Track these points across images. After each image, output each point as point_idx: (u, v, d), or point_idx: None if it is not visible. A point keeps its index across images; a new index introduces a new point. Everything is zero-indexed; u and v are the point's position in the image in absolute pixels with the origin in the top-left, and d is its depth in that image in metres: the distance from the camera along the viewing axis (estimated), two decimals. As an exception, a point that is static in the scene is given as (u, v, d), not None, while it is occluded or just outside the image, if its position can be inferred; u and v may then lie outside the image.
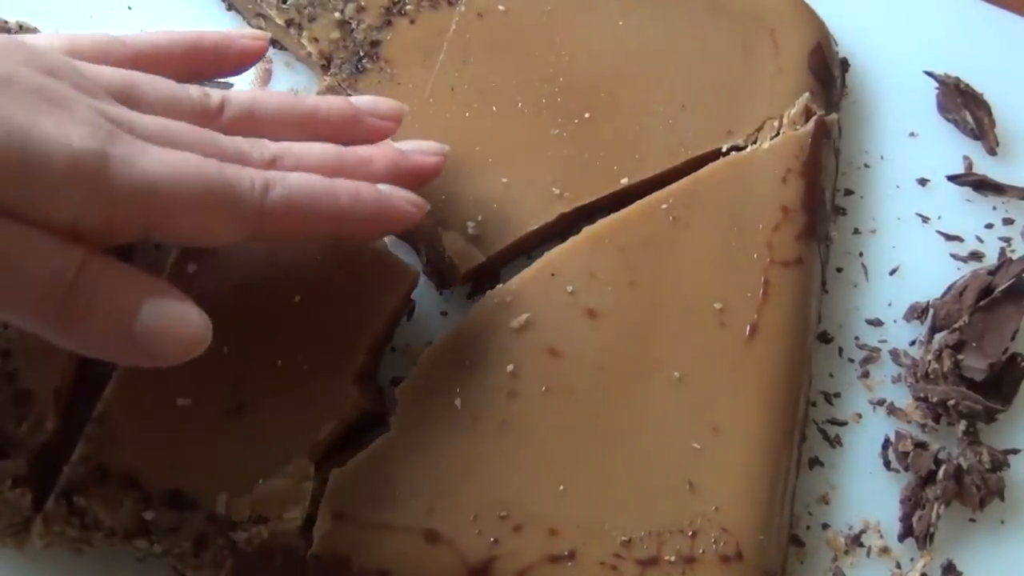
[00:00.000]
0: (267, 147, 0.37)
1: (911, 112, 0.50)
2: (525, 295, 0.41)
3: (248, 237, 0.35)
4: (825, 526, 0.41)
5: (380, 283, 0.40)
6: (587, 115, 0.45)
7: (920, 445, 0.42)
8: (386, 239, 0.43)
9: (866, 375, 0.44)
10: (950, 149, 0.49)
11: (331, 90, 0.45)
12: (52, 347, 0.33)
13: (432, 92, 0.45)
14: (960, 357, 0.42)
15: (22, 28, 0.44)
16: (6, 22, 0.44)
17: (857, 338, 0.45)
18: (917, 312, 0.45)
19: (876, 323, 0.45)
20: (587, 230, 0.42)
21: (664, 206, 0.43)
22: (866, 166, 0.49)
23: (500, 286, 0.41)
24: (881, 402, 0.44)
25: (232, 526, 0.36)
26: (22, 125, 0.30)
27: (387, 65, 0.45)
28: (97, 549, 0.37)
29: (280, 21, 0.47)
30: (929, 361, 0.43)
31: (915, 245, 0.47)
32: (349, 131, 0.39)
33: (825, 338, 0.45)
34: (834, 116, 0.46)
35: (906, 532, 0.41)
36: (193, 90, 0.37)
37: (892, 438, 0.43)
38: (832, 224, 0.46)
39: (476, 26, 0.46)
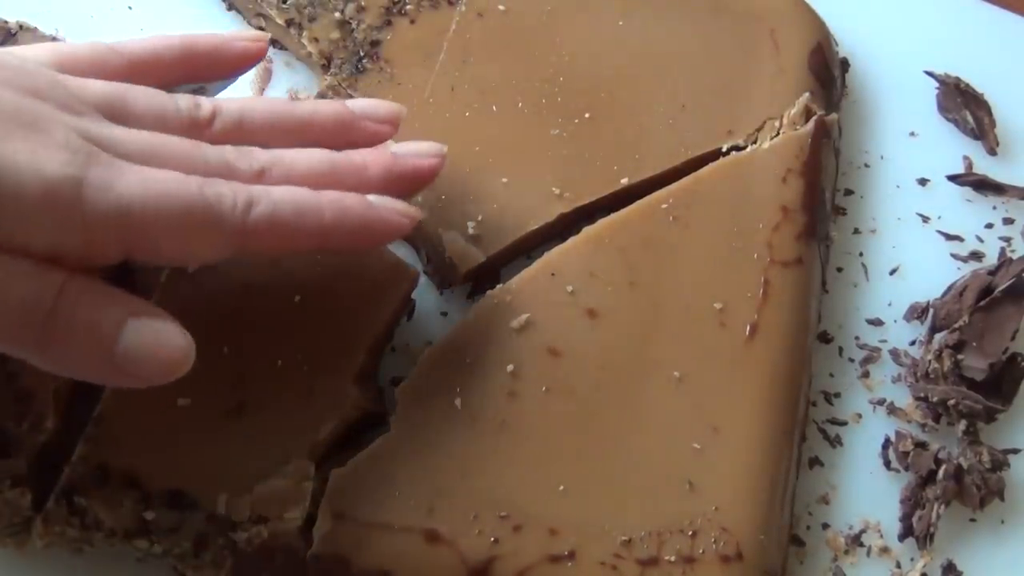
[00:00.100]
0: (256, 157, 0.36)
1: (911, 112, 0.50)
2: (525, 295, 0.41)
3: (232, 255, 0.35)
4: (825, 526, 0.41)
5: (380, 283, 0.40)
6: (587, 115, 0.45)
7: (920, 445, 0.42)
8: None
9: (866, 375, 0.44)
10: (950, 149, 0.49)
11: (331, 90, 0.45)
12: None
13: (432, 92, 0.45)
14: (960, 357, 0.42)
15: (22, 28, 0.44)
16: (6, 22, 0.44)
17: (857, 338, 0.45)
18: (917, 312, 0.45)
19: (876, 323, 0.45)
20: (587, 230, 0.42)
21: (664, 206, 0.43)
22: (866, 166, 0.49)
23: (500, 286, 0.41)
24: (881, 402, 0.44)
25: (232, 526, 0.36)
26: None
27: (387, 65, 0.45)
28: (97, 549, 0.37)
29: (280, 21, 0.47)
30: (929, 361, 0.43)
31: (915, 245, 0.47)
32: (344, 136, 0.39)
33: (825, 338, 0.45)
34: (834, 116, 0.46)
35: (906, 532, 0.41)
36: (183, 101, 0.36)
37: (892, 438, 0.43)
38: (832, 224, 0.46)
39: (476, 26, 0.46)
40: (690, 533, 0.37)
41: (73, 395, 0.37)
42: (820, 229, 0.44)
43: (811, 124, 0.45)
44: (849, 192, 0.48)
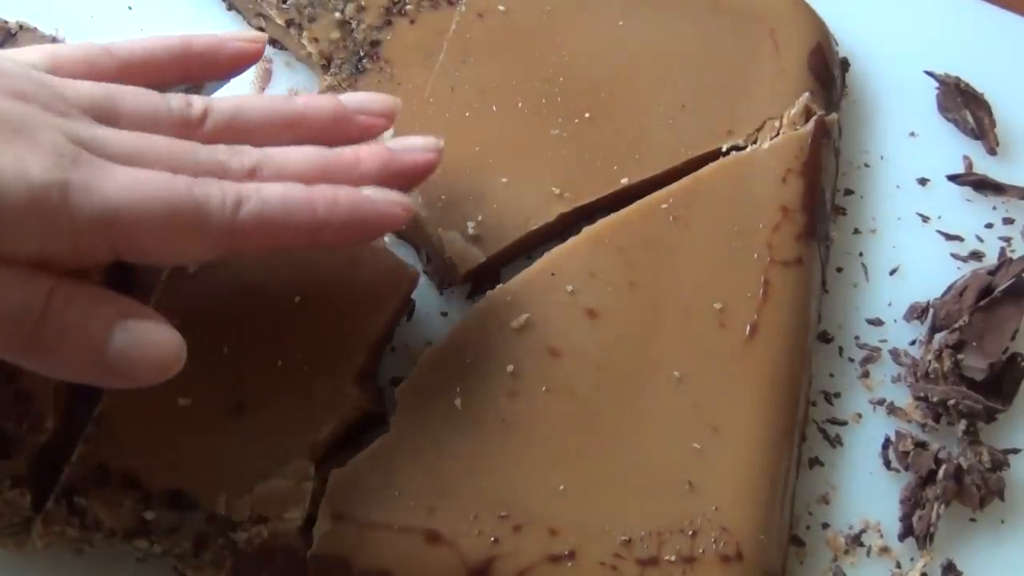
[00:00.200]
0: (247, 155, 0.36)
1: (911, 112, 0.50)
2: (525, 295, 0.41)
3: (223, 253, 0.34)
4: (825, 526, 0.41)
5: (380, 283, 0.40)
6: (587, 115, 0.45)
7: (920, 445, 0.42)
8: (386, 239, 0.43)
9: (866, 375, 0.44)
10: (950, 149, 0.49)
11: (331, 90, 0.45)
12: None
13: (432, 92, 0.45)
14: (960, 357, 0.42)
15: (22, 28, 0.44)
16: (6, 22, 0.44)
17: (857, 338, 0.45)
18: (917, 312, 0.45)
19: (876, 323, 0.45)
20: (587, 230, 0.42)
21: (664, 206, 0.43)
22: (866, 166, 0.49)
23: (500, 286, 0.41)
24: (881, 402, 0.44)
25: (232, 526, 0.36)
26: None
27: (387, 65, 0.45)
28: (97, 549, 0.37)
29: (280, 21, 0.47)
30: (929, 361, 0.43)
31: (915, 245, 0.47)
32: (339, 131, 0.39)
33: (825, 338, 0.45)
34: (834, 116, 0.46)
35: (906, 532, 0.41)
36: (174, 100, 0.36)
37: (892, 438, 0.43)
38: (832, 224, 0.46)
39: (476, 26, 0.46)
40: (690, 533, 0.37)
41: (73, 395, 0.37)
42: (820, 229, 0.44)
43: (811, 124, 0.45)
44: (849, 192, 0.48)
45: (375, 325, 0.40)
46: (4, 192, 0.30)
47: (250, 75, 0.47)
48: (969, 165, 0.48)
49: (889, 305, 0.46)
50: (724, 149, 0.45)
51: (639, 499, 0.38)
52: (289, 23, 0.46)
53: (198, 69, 0.39)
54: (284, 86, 0.48)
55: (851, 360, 0.45)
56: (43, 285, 0.31)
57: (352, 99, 0.39)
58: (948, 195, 0.48)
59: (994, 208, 0.48)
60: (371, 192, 0.37)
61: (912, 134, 0.49)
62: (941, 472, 0.41)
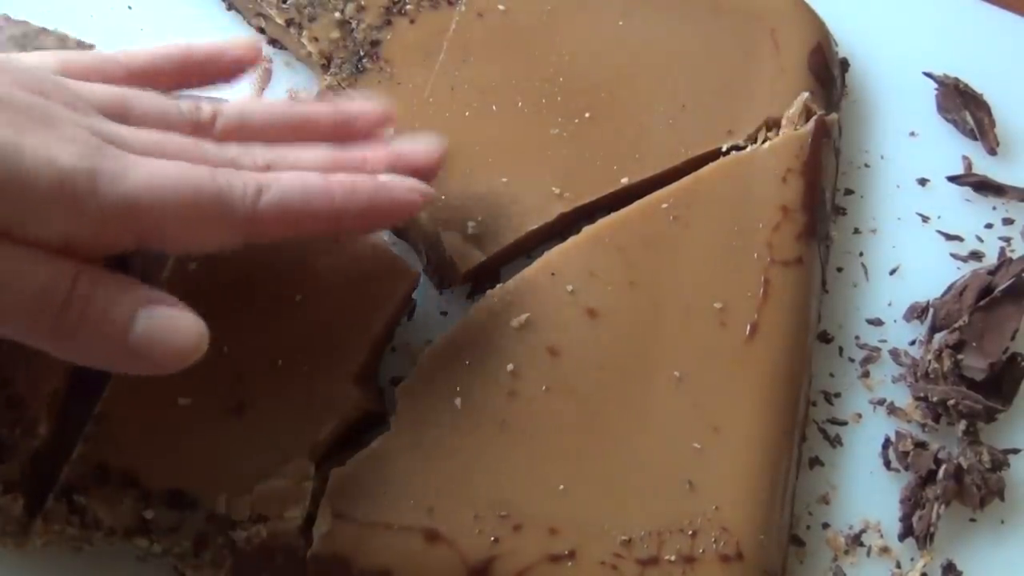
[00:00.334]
0: (259, 154, 0.37)
1: (911, 112, 0.50)
2: (525, 295, 0.41)
3: (243, 241, 0.35)
4: (825, 526, 0.41)
5: (380, 283, 0.40)
6: (587, 115, 0.45)
7: (920, 445, 0.42)
8: (386, 238, 0.43)
9: (866, 375, 0.44)
10: (950, 149, 0.49)
11: (331, 90, 0.45)
12: (45, 352, 0.33)
13: (432, 92, 0.45)
14: (960, 357, 0.42)
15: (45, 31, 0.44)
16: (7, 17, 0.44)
17: (857, 338, 0.45)
18: (917, 312, 0.45)
19: (876, 323, 0.45)
20: (587, 230, 0.42)
21: (664, 206, 0.43)
22: (866, 166, 0.49)
23: (500, 286, 0.41)
24: (881, 402, 0.44)
25: (232, 525, 0.36)
26: (9, 145, 0.30)
27: (387, 65, 0.45)
28: (97, 548, 0.37)
29: (280, 21, 0.47)
30: (929, 361, 0.43)
31: (915, 245, 0.47)
32: (340, 137, 0.40)
33: (825, 338, 0.45)
34: (834, 116, 0.46)
35: (906, 532, 0.41)
36: (184, 103, 0.37)
37: (892, 438, 0.43)
38: (832, 224, 0.46)
39: (476, 26, 0.46)
40: (690, 533, 0.37)
41: (67, 401, 0.37)
42: (820, 229, 0.44)
43: (811, 124, 0.45)
44: (849, 192, 0.48)
45: (376, 325, 0.40)
46: (34, 175, 0.30)
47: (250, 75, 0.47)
48: (969, 165, 0.48)
49: (889, 305, 0.46)
50: (724, 149, 0.45)
51: (639, 499, 0.38)
52: (289, 23, 0.46)
53: (199, 76, 0.40)
54: (284, 86, 0.48)
55: (851, 360, 0.45)
56: (69, 269, 0.32)
57: (351, 107, 0.40)
58: (948, 195, 0.48)
59: (994, 208, 0.48)
60: (387, 179, 0.38)
61: (912, 134, 0.49)
62: (941, 472, 0.41)
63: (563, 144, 0.44)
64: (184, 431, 0.37)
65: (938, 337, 0.44)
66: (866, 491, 0.42)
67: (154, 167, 0.33)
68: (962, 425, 0.42)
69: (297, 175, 0.36)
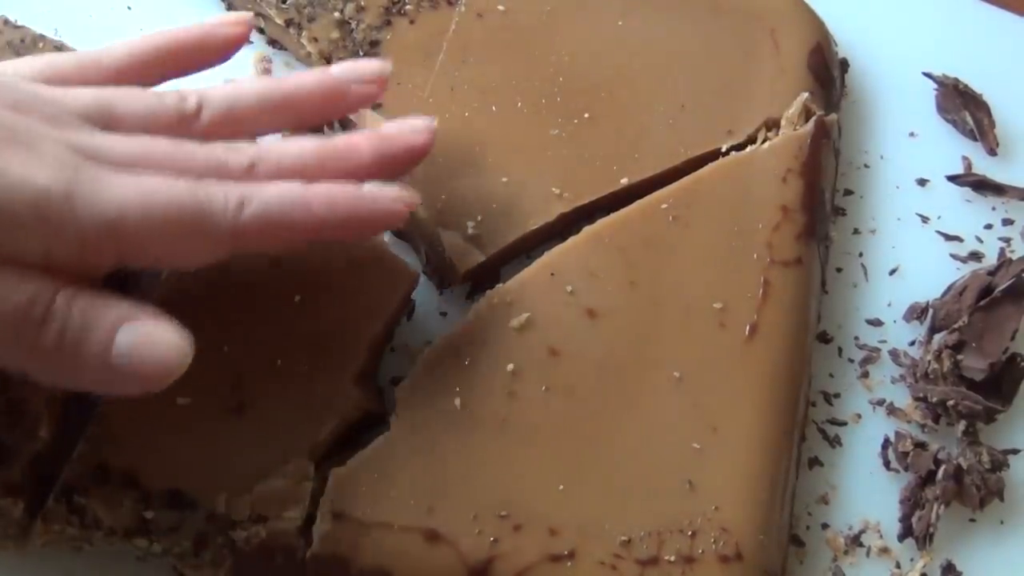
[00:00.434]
0: (245, 152, 0.36)
1: (911, 112, 0.50)
2: (525, 295, 0.41)
3: (227, 254, 0.35)
4: (825, 526, 0.41)
5: (380, 283, 0.40)
6: (587, 115, 0.45)
7: (920, 445, 0.42)
8: (386, 239, 0.43)
9: (866, 375, 0.44)
10: (950, 149, 0.49)
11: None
12: None
13: (432, 92, 0.45)
14: (960, 357, 0.42)
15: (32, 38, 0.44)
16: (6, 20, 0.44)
17: (857, 338, 0.45)
18: (917, 312, 0.45)
19: (876, 323, 0.45)
20: (587, 230, 0.42)
21: (664, 206, 0.43)
22: (866, 166, 0.49)
23: (500, 286, 0.41)
24: (881, 402, 0.44)
25: (232, 525, 0.36)
26: None
27: (387, 65, 0.45)
28: (97, 548, 0.37)
29: (280, 21, 0.47)
30: (929, 361, 0.43)
31: (915, 245, 0.47)
32: (333, 105, 0.39)
33: (825, 338, 0.45)
34: (834, 116, 0.46)
35: (906, 532, 0.41)
36: (169, 97, 0.37)
37: (892, 438, 0.43)
38: (832, 224, 0.46)
39: (476, 26, 0.46)
40: (690, 533, 0.37)
41: (67, 404, 0.37)
42: (820, 229, 0.44)
43: (811, 124, 0.45)
44: (849, 192, 0.48)
45: (375, 325, 0.39)
46: (9, 195, 0.30)
47: (250, 76, 0.47)
48: (968, 166, 0.48)
49: (889, 305, 0.46)
50: (724, 149, 0.45)
51: (639, 499, 0.38)
52: (289, 23, 0.46)
53: (192, 61, 0.40)
54: (284, 86, 0.48)
55: (851, 360, 0.45)
56: (47, 287, 0.31)
57: (341, 69, 0.40)
58: (948, 195, 0.48)
59: (993, 209, 0.48)
60: (371, 188, 0.37)
61: (911, 134, 0.49)
62: (941, 472, 0.41)
63: (563, 144, 0.44)
64: (184, 431, 0.37)
65: (938, 337, 0.44)
66: (866, 491, 0.42)
67: (133, 184, 0.32)
68: (962, 425, 0.42)
69: (279, 187, 0.35)
